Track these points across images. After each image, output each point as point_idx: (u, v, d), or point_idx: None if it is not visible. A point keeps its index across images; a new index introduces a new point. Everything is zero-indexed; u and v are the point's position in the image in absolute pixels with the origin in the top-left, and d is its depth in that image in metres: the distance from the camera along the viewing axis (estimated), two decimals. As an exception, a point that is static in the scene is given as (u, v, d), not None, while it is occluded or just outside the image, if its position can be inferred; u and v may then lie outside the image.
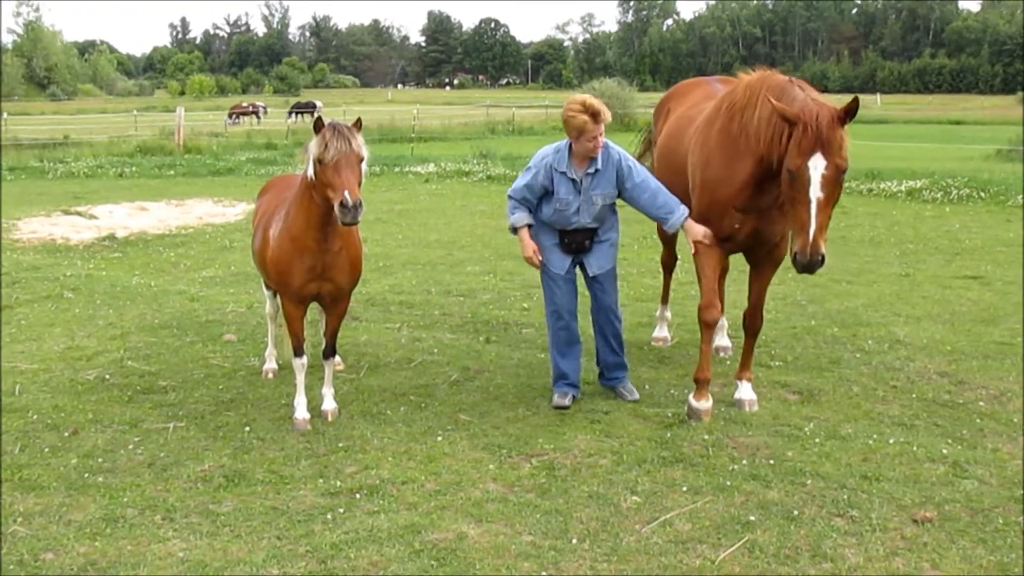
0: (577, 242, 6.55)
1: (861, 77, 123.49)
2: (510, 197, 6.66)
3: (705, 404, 6.46)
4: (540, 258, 6.58)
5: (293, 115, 54.46)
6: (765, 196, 6.02)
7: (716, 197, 6.24)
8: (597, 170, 6.36)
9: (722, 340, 8.11)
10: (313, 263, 6.18)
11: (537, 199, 6.56)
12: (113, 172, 24.92)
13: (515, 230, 6.69)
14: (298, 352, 6.64)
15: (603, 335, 6.85)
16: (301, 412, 6.57)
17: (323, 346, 6.75)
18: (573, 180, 6.38)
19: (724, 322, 8.08)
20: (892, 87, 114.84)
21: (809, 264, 5.48)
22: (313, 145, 5.71)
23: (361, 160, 5.75)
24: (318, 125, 5.72)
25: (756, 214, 6.16)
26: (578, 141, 6.26)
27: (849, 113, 5.41)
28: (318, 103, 60.74)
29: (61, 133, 38.93)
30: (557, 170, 6.40)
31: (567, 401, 6.72)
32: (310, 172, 5.85)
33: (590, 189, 6.38)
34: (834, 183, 5.48)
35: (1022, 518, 4.96)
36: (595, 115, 6.14)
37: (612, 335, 6.83)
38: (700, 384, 6.50)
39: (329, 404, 6.68)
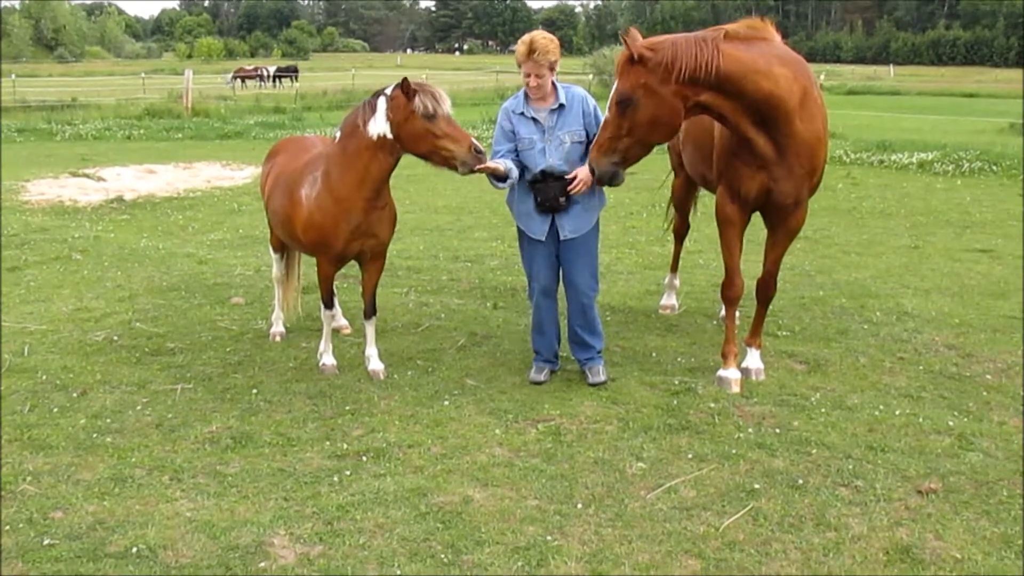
0: (550, 199, 6.20)
1: (874, 48, 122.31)
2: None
3: (735, 373, 6.50)
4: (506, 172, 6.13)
5: (277, 80, 55.17)
6: (756, 144, 5.96)
7: (729, 158, 6.25)
8: (562, 105, 6.19)
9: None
10: (360, 222, 6.30)
11: (514, 149, 6.31)
12: (121, 135, 24.90)
13: (505, 178, 6.21)
14: (328, 304, 6.81)
15: (571, 312, 6.58)
16: (329, 358, 6.87)
17: (363, 306, 6.82)
18: (534, 119, 6.22)
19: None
20: (906, 58, 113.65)
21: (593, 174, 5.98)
22: (425, 100, 5.87)
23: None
24: (407, 86, 5.92)
25: (764, 170, 6.08)
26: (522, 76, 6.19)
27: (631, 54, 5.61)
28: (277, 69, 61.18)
29: (69, 95, 38.78)
30: (514, 112, 6.29)
31: (543, 376, 6.64)
32: (381, 130, 6.03)
33: (556, 128, 6.20)
34: (613, 103, 5.75)
35: (1027, 490, 4.98)
36: (531, 51, 5.98)
37: (579, 314, 6.54)
38: (727, 357, 6.55)
39: (376, 364, 6.77)
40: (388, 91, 6.08)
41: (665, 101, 5.67)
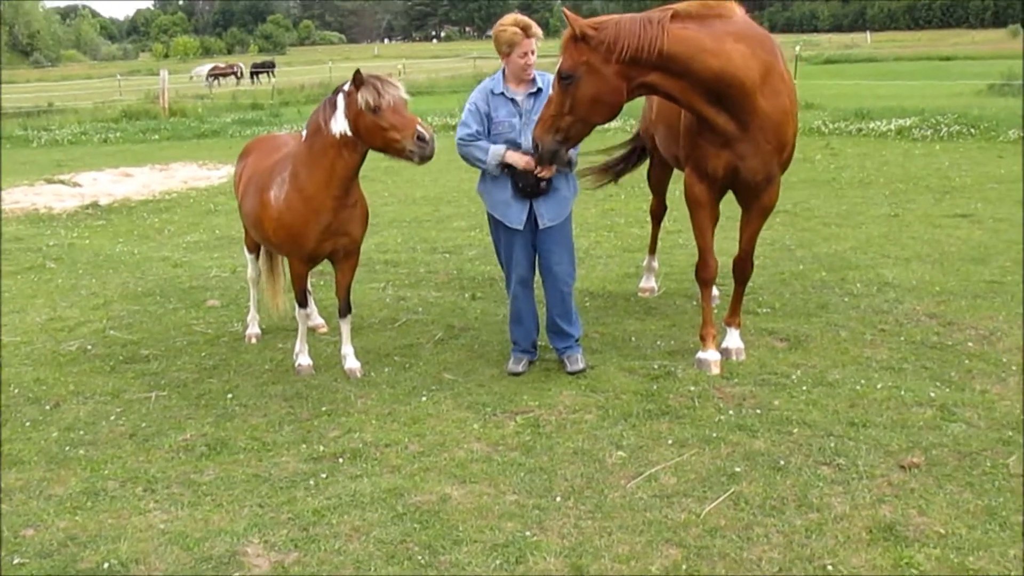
0: (531, 184, 6.11)
1: (851, 15, 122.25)
2: (463, 142, 6.19)
3: (714, 355, 6.43)
4: (536, 168, 6.02)
5: (254, 76, 55.14)
6: (715, 122, 5.87)
7: (693, 137, 6.18)
8: (539, 89, 6.14)
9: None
10: (330, 220, 6.21)
11: (486, 131, 6.22)
12: (97, 138, 24.76)
13: (500, 166, 6.14)
14: (302, 303, 6.71)
15: (550, 301, 6.50)
16: (304, 359, 6.78)
17: (338, 304, 6.72)
18: (513, 100, 6.16)
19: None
20: (882, 24, 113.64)
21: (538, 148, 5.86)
22: (366, 95, 5.77)
23: (407, 103, 5.91)
24: (358, 79, 5.83)
25: (728, 148, 5.98)
26: (509, 58, 6.06)
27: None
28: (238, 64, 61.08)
29: (45, 100, 38.52)
30: (494, 92, 6.20)
31: (521, 367, 6.56)
32: (342, 128, 5.95)
33: (532, 111, 6.11)
34: (556, 82, 5.70)
35: (1012, 459, 4.92)
36: (525, 28, 5.98)
37: (558, 303, 6.45)
38: (705, 340, 6.49)
39: (352, 363, 6.69)
40: (346, 87, 5.98)
41: (607, 80, 5.59)
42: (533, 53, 6.07)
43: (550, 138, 5.74)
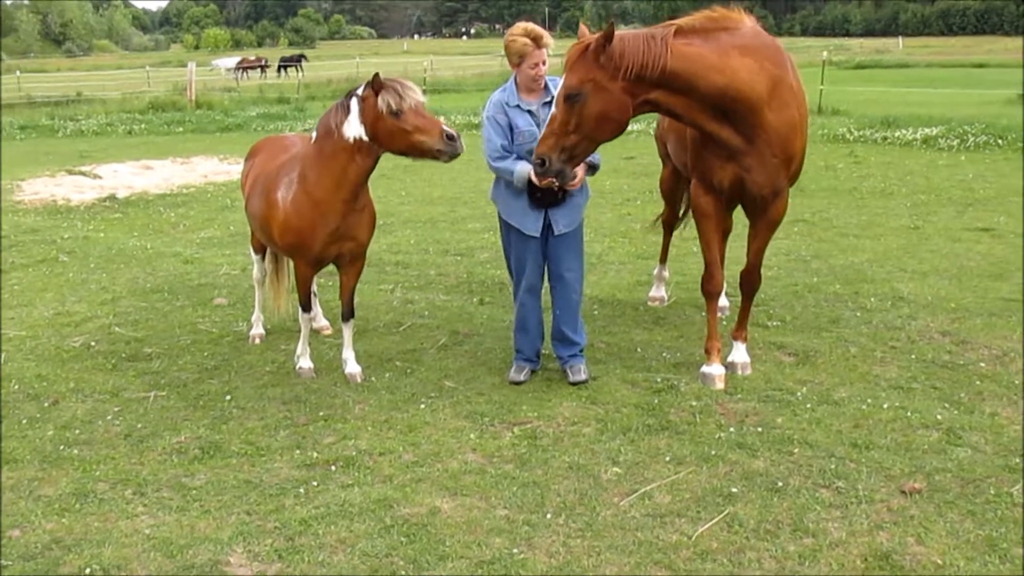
0: (548, 194, 6.05)
1: (884, 20, 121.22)
2: (492, 159, 6.16)
3: (718, 369, 6.33)
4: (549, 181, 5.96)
5: (283, 70, 55.40)
6: (719, 137, 5.77)
7: (699, 149, 6.09)
8: (553, 98, 5.99)
9: (720, 300, 7.90)
10: (338, 224, 6.15)
11: (511, 142, 6.15)
12: (122, 129, 24.85)
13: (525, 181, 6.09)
14: (306, 307, 6.68)
15: (558, 308, 6.44)
16: (306, 362, 6.76)
17: (341, 308, 6.68)
18: (529, 111, 6.09)
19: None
20: (915, 30, 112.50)
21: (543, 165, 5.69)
22: (388, 98, 5.74)
23: (424, 106, 5.91)
24: (377, 83, 5.79)
25: (733, 160, 5.88)
26: (520, 68, 5.98)
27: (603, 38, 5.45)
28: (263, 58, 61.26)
29: (74, 90, 38.76)
30: (509, 105, 6.12)
31: (523, 376, 6.47)
32: (357, 132, 5.89)
33: (546, 120, 5.98)
34: (561, 100, 5.54)
35: (1016, 487, 4.78)
36: (536, 39, 5.91)
37: (566, 310, 6.40)
38: (710, 353, 6.40)
39: (353, 368, 6.64)
40: (360, 91, 5.91)
41: (614, 97, 5.47)
42: (544, 63, 6.00)
43: (555, 156, 5.61)
